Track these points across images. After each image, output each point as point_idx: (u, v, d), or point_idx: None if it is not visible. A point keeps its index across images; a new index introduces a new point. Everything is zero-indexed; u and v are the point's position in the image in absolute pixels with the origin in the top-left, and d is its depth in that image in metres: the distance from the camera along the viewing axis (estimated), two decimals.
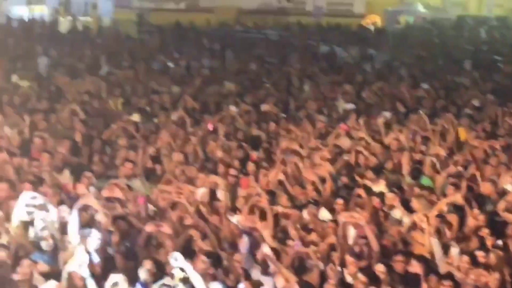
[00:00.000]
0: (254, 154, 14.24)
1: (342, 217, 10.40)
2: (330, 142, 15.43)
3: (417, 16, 45.87)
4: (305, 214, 11.27)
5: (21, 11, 40.18)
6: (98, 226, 9.82)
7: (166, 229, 9.63)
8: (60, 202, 11.04)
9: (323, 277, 9.65)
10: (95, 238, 9.37)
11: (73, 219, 9.81)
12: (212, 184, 11.82)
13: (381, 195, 11.87)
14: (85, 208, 10.11)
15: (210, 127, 15.84)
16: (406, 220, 10.99)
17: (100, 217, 9.86)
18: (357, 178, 13.09)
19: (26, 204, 10.20)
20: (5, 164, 12.70)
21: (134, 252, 9.72)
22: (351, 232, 10.28)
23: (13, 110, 16.57)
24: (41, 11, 40.71)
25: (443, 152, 14.67)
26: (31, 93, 19.11)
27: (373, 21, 43.67)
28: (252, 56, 27.27)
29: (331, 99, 19.91)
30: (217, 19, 39.90)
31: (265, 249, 9.61)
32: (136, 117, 16.53)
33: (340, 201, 11.63)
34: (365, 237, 10.06)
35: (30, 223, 10.04)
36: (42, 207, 10.14)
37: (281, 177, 12.62)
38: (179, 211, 10.56)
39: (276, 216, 10.96)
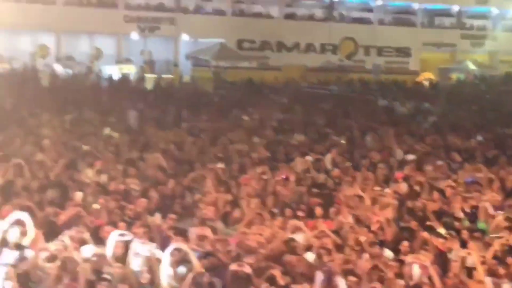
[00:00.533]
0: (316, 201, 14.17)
1: (409, 258, 10.40)
2: (391, 188, 15.33)
3: (468, 73, 45.60)
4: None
5: (112, 70, 41.09)
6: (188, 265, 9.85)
7: (247, 269, 9.65)
8: (151, 241, 11.11)
9: None
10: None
11: (165, 258, 9.87)
12: (292, 227, 11.80)
13: (441, 237, 11.78)
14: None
15: (283, 175, 15.83)
16: (464, 260, 10.88)
17: (192, 258, 9.90)
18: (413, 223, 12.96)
19: (116, 240, 10.30)
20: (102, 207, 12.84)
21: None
22: (416, 272, 10.22)
23: (107, 159, 16.75)
24: (129, 70, 41.55)
25: (498, 198, 14.49)
26: (122, 144, 19.30)
27: (427, 77, 43.53)
28: (318, 110, 27.30)
29: (390, 149, 19.80)
30: (285, 76, 40.16)
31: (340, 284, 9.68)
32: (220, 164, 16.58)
33: (405, 243, 11.56)
34: (429, 277, 10.02)
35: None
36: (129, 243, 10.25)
37: (349, 219, 12.57)
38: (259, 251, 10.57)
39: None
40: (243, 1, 47.78)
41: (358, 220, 12.92)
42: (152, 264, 9.75)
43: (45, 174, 14.69)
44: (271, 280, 9.55)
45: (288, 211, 13.24)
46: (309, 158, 17.92)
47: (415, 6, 52.25)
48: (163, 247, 10.35)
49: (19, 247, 9.77)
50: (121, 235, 10.46)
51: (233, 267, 9.66)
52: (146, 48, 45.39)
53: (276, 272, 9.58)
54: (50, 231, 10.92)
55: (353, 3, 51.05)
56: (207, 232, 10.99)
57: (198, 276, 9.38)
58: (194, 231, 11.21)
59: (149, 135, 20.67)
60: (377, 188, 15.25)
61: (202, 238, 10.76)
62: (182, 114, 25.21)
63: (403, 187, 15.57)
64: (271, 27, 46.64)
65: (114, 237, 10.42)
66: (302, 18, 48.97)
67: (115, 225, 11.70)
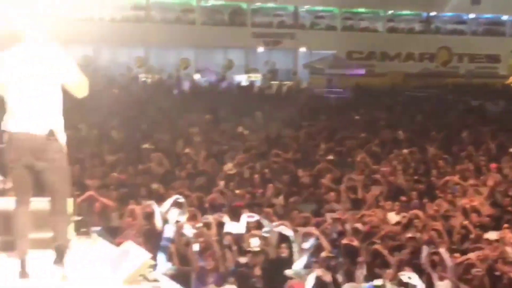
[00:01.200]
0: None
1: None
2: (485, 177, 14.94)
3: None
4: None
5: (241, 78, 41.68)
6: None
7: (356, 243, 9.59)
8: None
9: None
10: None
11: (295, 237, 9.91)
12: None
13: None
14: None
15: (390, 166, 15.62)
16: None
17: (324, 243, 9.87)
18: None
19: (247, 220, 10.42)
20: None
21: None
22: None
23: (237, 154, 16.95)
24: (256, 78, 41.98)
25: None
26: (252, 139, 19.55)
27: None
28: (418, 110, 26.86)
29: (484, 144, 19.27)
30: (388, 81, 39.67)
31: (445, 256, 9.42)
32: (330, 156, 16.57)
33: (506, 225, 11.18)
34: None
35: None
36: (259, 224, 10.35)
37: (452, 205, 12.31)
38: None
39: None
40: (352, 18, 47.48)
41: (459, 206, 12.65)
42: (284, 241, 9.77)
43: (193, 165, 15.04)
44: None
45: (400, 198, 13.07)
46: (411, 150, 17.66)
47: (505, 17, 50.68)
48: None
49: (177, 223, 10.07)
50: (250, 216, 10.56)
51: (345, 241, 9.61)
52: (270, 59, 45.70)
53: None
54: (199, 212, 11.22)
55: (448, 17, 49.86)
56: (342, 215, 10.89)
57: (327, 259, 9.30)
58: (329, 215, 11.10)
59: (275, 133, 20.85)
60: (474, 177, 14.89)
61: (336, 220, 10.64)
62: (301, 114, 25.30)
63: (497, 176, 15.14)
64: (376, 39, 46.17)
65: (245, 218, 10.54)
66: (403, 31, 48.24)
67: (250, 208, 11.91)
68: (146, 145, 16.53)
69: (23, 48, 5.32)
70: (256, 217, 10.51)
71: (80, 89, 5.41)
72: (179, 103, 26.69)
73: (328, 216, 11.14)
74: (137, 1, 41.96)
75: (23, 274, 5.44)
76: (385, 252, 9.34)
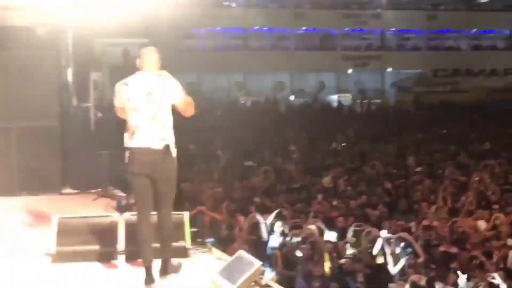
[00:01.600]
0: None
1: None
2: None
3: None
4: None
5: (333, 98, 41.61)
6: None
7: (454, 249, 9.33)
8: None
9: None
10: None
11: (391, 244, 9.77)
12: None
13: None
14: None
15: (478, 176, 15.13)
16: None
17: (417, 249, 9.67)
18: None
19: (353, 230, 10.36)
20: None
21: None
22: None
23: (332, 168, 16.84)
24: (346, 98, 41.76)
25: None
26: (345, 155, 19.48)
27: None
28: (503, 122, 25.95)
29: None
30: (473, 97, 38.56)
31: None
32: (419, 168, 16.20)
33: None
34: None
35: None
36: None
37: None
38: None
39: None
40: (436, 38, 46.43)
41: None
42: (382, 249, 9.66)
43: (292, 180, 15.09)
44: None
45: (491, 206, 12.61)
46: (500, 161, 17.04)
47: None
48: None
49: (282, 233, 10.16)
50: (357, 225, 10.52)
51: (443, 248, 9.39)
52: (359, 80, 45.37)
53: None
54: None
55: None
56: (434, 223, 10.72)
57: (422, 264, 9.17)
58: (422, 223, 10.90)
59: (366, 147, 20.70)
60: None
61: (428, 228, 10.47)
62: (390, 130, 24.96)
63: None
64: (461, 57, 44.96)
65: (352, 227, 10.50)
66: (486, 48, 46.77)
67: (346, 218, 11.81)
68: (249, 162, 16.70)
69: (143, 76, 5.76)
70: (364, 226, 10.50)
71: (188, 109, 5.78)
72: (277, 123, 26.87)
73: (420, 223, 10.89)
74: (236, 31, 42.61)
75: (149, 280, 5.66)
76: (482, 257, 9.04)
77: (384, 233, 9.93)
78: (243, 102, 38.68)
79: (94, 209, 8.70)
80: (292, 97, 41.69)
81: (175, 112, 5.88)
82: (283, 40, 43.95)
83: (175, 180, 5.79)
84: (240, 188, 13.60)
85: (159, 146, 5.61)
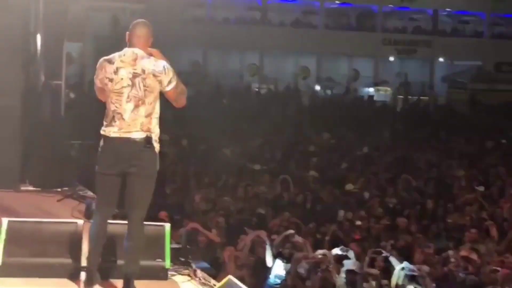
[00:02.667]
0: None
1: None
2: None
3: None
4: None
5: (368, 91, 41.53)
6: None
7: None
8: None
9: None
10: None
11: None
12: None
13: None
14: None
15: None
16: None
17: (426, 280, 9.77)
18: None
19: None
20: None
21: None
22: None
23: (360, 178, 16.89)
24: (385, 91, 41.69)
25: None
26: (379, 162, 19.47)
27: None
28: None
29: None
30: None
31: None
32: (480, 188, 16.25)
33: None
34: None
35: None
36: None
37: None
38: None
39: None
40: (502, 24, 46.16)
41: None
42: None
43: (309, 189, 15.08)
44: None
45: None
46: None
47: None
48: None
49: (293, 258, 10.17)
50: (376, 252, 10.57)
51: None
52: (402, 70, 45.21)
53: None
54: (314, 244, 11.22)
55: None
56: (473, 255, 10.68)
57: None
58: (460, 253, 10.95)
59: (405, 155, 20.61)
60: None
61: (467, 259, 10.46)
62: (438, 135, 24.88)
63: None
64: None
65: (370, 254, 10.51)
66: None
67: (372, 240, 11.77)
68: (257, 166, 16.71)
69: (130, 54, 5.94)
70: (386, 254, 10.58)
71: (179, 99, 6.05)
72: (296, 118, 26.88)
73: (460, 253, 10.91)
74: (253, 1, 42.65)
75: (89, 282, 6.01)
76: None
77: (407, 265, 9.91)
78: (256, 89, 38.69)
79: (57, 212, 8.70)
80: (317, 87, 41.65)
81: (163, 99, 6.07)
82: (309, 15, 43.93)
83: (153, 180, 5.99)
84: (244, 197, 13.58)
85: (139, 136, 5.86)
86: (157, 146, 5.96)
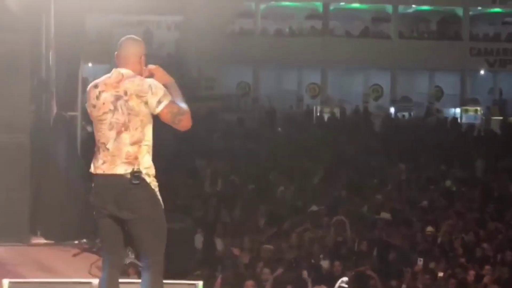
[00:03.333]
0: None
1: None
2: None
3: None
4: None
5: (454, 112, 41.29)
6: None
7: None
8: None
9: None
10: None
11: None
12: None
13: None
14: None
15: None
16: None
17: None
18: None
19: None
20: None
21: None
22: None
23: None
24: (474, 112, 41.29)
25: None
26: (468, 198, 19.32)
27: None
28: None
29: None
30: None
31: None
32: None
33: None
34: None
35: None
36: None
37: None
38: None
39: None
40: None
41: None
42: None
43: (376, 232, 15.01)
44: None
45: None
46: None
47: None
48: None
49: None
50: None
51: None
52: (495, 86, 44.75)
53: None
54: None
55: None
56: None
57: None
58: None
59: (501, 189, 20.37)
60: None
61: None
62: None
63: None
64: None
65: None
66: None
67: None
68: (315, 207, 16.72)
69: (116, 75, 6.08)
70: None
71: (178, 120, 6.05)
72: (366, 146, 26.78)
73: None
74: (312, 8, 42.79)
75: None
76: None
77: None
78: (318, 114, 38.69)
79: (72, 269, 8.74)
80: (392, 109, 41.43)
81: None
82: (381, 22, 43.91)
83: (157, 223, 6.03)
84: (296, 244, 13.57)
85: (125, 170, 5.95)
86: (150, 181, 5.99)
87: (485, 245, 14.99)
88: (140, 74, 6.09)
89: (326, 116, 37.79)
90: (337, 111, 38.76)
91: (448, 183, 20.86)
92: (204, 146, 23.29)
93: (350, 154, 24.92)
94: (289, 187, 19.73)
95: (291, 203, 18.09)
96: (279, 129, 32.02)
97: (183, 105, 6.07)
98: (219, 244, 14.41)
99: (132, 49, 6.12)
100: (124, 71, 6.05)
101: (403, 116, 40.23)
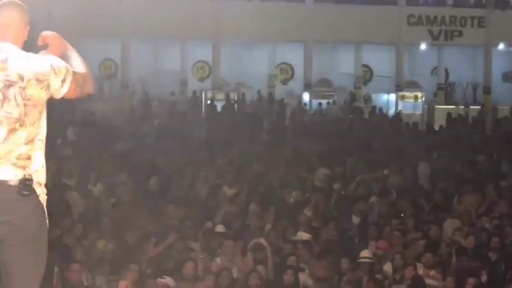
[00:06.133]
0: None
1: None
2: None
3: None
4: None
5: (386, 99, 41.86)
6: None
7: None
8: None
9: None
10: None
11: None
12: None
13: None
14: None
15: None
16: None
17: None
18: None
19: None
20: None
21: None
22: None
23: None
24: (414, 99, 41.76)
25: None
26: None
27: None
28: None
29: None
30: None
31: None
32: None
33: None
34: None
35: None
36: None
37: None
38: None
39: None
40: None
41: None
42: None
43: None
44: None
45: None
46: None
47: None
48: None
49: None
50: None
51: None
52: (440, 65, 45.29)
53: None
54: None
55: None
56: None
57: None
58: None
59: (447, 197, 21.31)
60: None
61: None
62: (499, 166, 24.84)
63: None
64: None
65: None
66: None
67: None
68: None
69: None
70: None
71: (84, 90, 6.18)
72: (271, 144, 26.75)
73: None
74: None
75: None
76: None
77: None
78: (208, 102, 38.56)
79: None
80: (305, 95, 41.51)
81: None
82: None
83: (40, 247, 6.06)
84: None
85: (13, 176, 5.93)
86: (40, 192, 6.01)
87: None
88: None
89: (219, 106, 37.70)
90: (233, 98, 38.71)
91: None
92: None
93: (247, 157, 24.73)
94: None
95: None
96: (156, 122, 31.83)
97: (82, 67, 6.13)
98: None
99: (15, 15, 6.09)
100: (8, 46, 5.99)
101: (320, 104, 40.31)
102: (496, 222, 19.15)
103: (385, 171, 23.56)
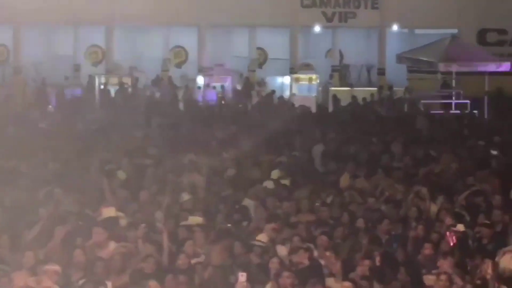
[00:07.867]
0: None
1: None
2: None
3: None
4: None
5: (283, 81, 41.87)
6: None
7: None
8: None
9: None
10: None
11: None
12: None
13: None
14: None
15: None
16: None
17: None
18: None
19: None
20: None
21: None
22: None
23: None
24: (308, 81, 41.81)
25: None
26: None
27: None
28: None
29: None
30: None
31: None
32: None
33: None
34: None
35: None
36: None
37: None
38: None
39: None
40: None
41: None
42: None
43: None
44: None
45: None
46: None
47: None
48: None
49: None
50: None
51: None
52: (334, 47, 45.48)
53: None
54: None
55: None
56: None
57: None
58: None
59: (344, 183, 20.99)
60: None
61: None
62: (392, 150, 24.94)
63: None
64: None
65: None
66: None
67: None
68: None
69: None
70: None
71: None
72: (167, 130, 26.71)
73: None
74: None
75: None
76: None
77: None
78: (102, 86, 38.27)
79: None
80: (199, 78, 41.43)
81: None
82: None
83: None
84: None
85: None
86: None
87: None
88: None
89: (112, 90, 37.53)
90: (127, 82, 38.53)
91: (274, 174, 21.04)
92: None
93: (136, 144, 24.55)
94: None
95: None
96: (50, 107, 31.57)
97: None
98: None
99: None
100: None
101: (214, 88, 40.20)
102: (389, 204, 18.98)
103: (281, 157, 23.46)
